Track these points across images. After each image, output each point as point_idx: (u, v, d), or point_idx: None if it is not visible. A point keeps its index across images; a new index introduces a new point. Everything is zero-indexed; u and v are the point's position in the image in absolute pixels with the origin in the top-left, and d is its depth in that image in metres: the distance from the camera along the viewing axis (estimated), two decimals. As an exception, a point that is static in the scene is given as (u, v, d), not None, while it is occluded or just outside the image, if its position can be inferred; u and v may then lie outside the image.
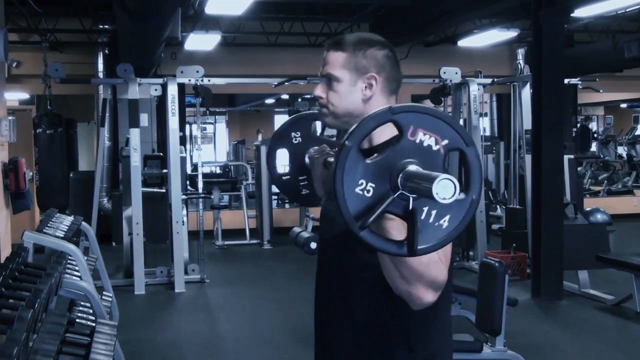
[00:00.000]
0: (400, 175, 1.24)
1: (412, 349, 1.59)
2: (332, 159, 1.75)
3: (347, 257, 1.63)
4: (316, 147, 1.90)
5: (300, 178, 1.97)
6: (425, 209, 1.25)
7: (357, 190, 1.25)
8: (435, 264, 1.43)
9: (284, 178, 1.98)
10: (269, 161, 2.00)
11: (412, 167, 1.25)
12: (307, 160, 1.92)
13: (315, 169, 1.86)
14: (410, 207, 1.24)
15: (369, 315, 1.60)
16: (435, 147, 1.27)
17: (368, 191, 1.26)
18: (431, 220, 1.26)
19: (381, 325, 1.59)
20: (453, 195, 1.17)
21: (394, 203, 1.25)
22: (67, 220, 4.03)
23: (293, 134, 1.94)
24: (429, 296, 1.44)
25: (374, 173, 1.26)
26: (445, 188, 1.16)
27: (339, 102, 1.65)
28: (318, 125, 1.95)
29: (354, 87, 1.63)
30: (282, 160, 1.99)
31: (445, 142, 1.28)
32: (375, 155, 1.27)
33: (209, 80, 7.58)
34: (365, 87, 1.63)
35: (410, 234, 1.25)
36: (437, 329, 1.63)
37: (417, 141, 1.27)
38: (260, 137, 12.93)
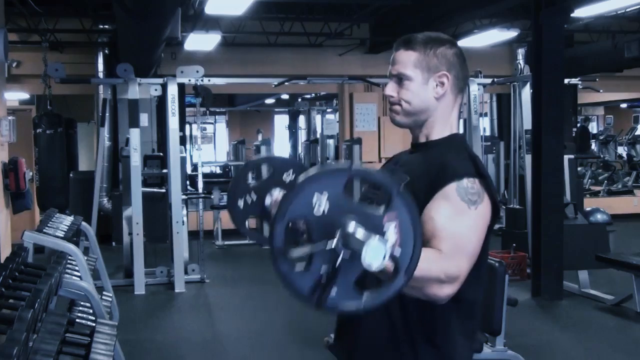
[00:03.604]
0: (338, 234, 1.22)
1: (437, 345, 1.60)
2: None
3: None
4: (277, 190, 1.84)
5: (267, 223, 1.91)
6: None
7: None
8: (436, 261, 1.43)
9: (259, 231, 1.95)
10: (234, 219, 1.91)
11: (351, 226, 1.22)
12: (267, 202, 1.86)
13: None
14: (338, 262, 1.22)
15: (394, 313, 1.61)
16: (379, 211, 1.26)
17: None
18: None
19: (406, 321, 1.60)
20: (381, 264, 1.16)
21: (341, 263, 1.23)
22: (67, 220, 4.03)
23: (250, 179, 1.88)
24: (444, 290, 1.46)
25: (315, 230, 1.25)
26: (373, 253, 1.16)
27: (412, 99, 1.66)
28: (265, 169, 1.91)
29: (425, 85, 1.66)
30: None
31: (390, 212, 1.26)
32: (323, 210, 1.25)
33: (209, 80, 7.57)
34: (437, 85, 1.66)
35: (323, 286, 1.24)
36: (462, 328, 1.63)
37: (359, 200, 1.27)
38: (260, 137, 12.95)
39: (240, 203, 1.87)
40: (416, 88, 1.66)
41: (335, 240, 1.22)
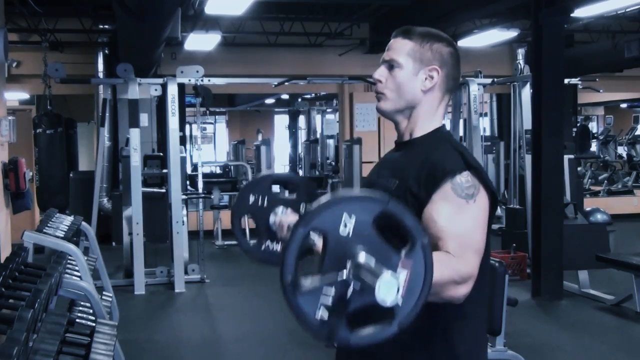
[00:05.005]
0: (349, 264, 1.19)
1: (452, 343, 1.60)
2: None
3: None
4: (280, 208, 1.82)
5: (270, 242, 1.87)
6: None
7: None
8: (447, 263, 1.43)
9: (258, 246, 1.86)
10: (236, 232, 1.88)
11: (362, 257, 1.19)
12: (271, 220, 1.82)
13: (284, 242, 1.81)
14: (348, 295, 1.18)
15: None
16: (397, 254, 1.22)
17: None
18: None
19: (422, 320, 1.59)
20: (395, 299, 1.13)
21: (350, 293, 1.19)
22: (67, 220, 4.04)
23: (253, 197, 1.84)
24: (460, 291, 1.46)
25: (330, 251, 1.21)
26: (387, 287, 1.12)
27: (398, 87, 1.66)
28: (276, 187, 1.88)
29: (415, 76, 1.65)
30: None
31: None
32: (348, 232, 1.21)
33: (209, 80, 7.57)
34: (426, 78, 1.65)
35: (334, 320, 1.20)
36: (475, 324, 1.64)
37: (370, 231, 1.22)
38: (260, 137, 12.96)
39: (251, 198, 1.83)
40: (405, 77, 1.65)
41: (347, 270, 1.19)
